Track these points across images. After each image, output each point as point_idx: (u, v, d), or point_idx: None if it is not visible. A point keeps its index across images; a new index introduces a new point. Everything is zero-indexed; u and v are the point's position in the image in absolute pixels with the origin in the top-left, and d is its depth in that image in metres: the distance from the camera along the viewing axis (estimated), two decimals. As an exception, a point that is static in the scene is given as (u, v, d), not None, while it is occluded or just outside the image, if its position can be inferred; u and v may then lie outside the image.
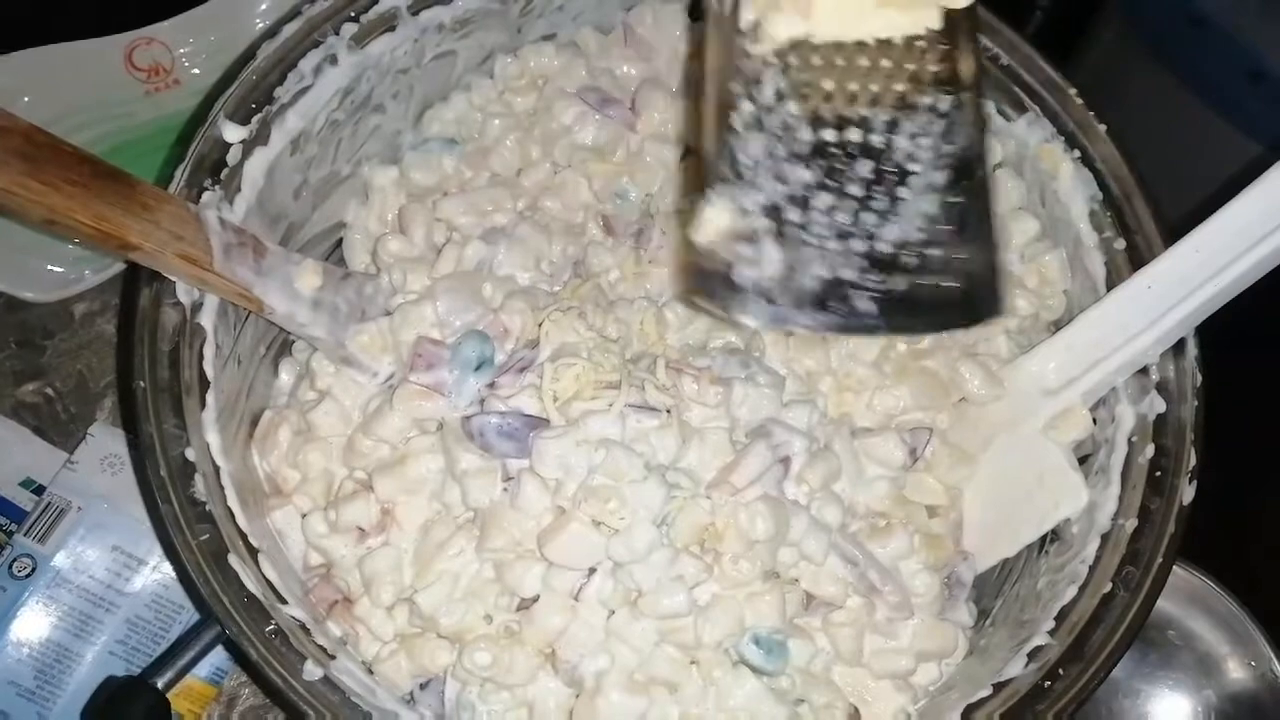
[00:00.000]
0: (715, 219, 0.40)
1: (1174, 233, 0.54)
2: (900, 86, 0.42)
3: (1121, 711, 0.67)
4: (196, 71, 0.81)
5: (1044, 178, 0.59)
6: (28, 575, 0.65)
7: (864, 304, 0.40)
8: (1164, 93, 0.85)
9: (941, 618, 0.54)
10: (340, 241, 0.64)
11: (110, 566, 0.66)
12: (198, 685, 0.65)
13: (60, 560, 0.66)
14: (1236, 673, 0.66)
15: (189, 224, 0.49)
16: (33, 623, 0.65)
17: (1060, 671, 0.48)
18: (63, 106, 0.78)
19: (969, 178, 0.42)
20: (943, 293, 0.40)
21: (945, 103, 0.43)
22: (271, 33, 0.56)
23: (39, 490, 0.69)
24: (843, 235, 0.40)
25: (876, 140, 0.42)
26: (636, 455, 0.50)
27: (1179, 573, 0.66)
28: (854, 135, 0.42)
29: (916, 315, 0.41)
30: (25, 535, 0.66)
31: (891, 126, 0.42)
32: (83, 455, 0.68)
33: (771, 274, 0.40)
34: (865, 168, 0.42)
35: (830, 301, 0.39)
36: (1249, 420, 0.65)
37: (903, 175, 0.42)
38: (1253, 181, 0.50)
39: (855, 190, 0.42)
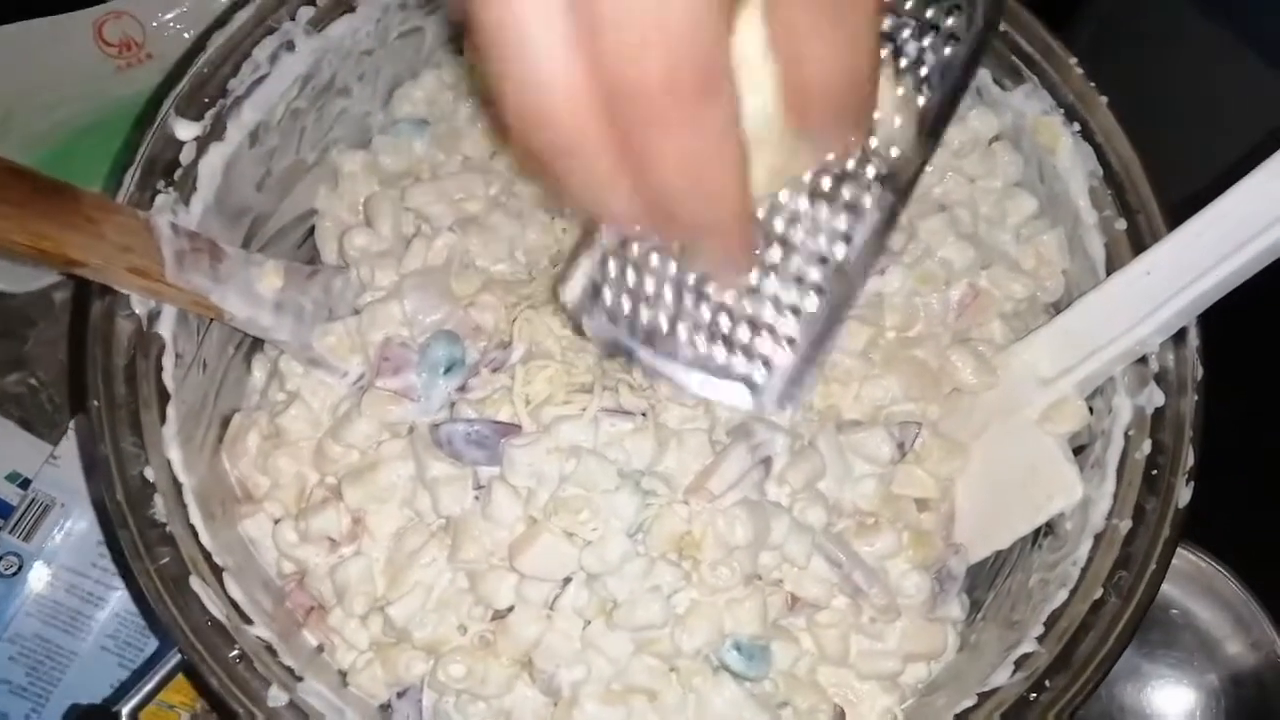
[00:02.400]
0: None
1: (1178, 214, 0.51)
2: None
3: (1123, 694, 0.66)
4: (171, 45, 0.78)
5: (1042, 152, 0.56)
6: (14, 573, 0.65)
7: (682, 351, 0.38)
8: (1183, 23, 0.81)
9: (930, 618, 0.53)
10: (313, 229, 0.62)
11: (97, 562, 0.66)
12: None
13: (46, 557, 0.65)
14: (1240, 654, 0.65)
15: (138, 234, 0.47)
16: (22, 621, 0.65)
17: (1047, 683, 0.46)
18: (32, 86, 0.76)
19: (847, 300, 0.39)
20: (741, 376, 0.39)
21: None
22: (221, 21, 0.53)
23: (25, 484, 0.69)
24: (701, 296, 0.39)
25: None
26: (609, 463, 0.48)
27: (1182, 554, 0.64)
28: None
29: (706, 383, 0.38)
30: (10, 533, 0.66)
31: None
32: (65, 449, 0.68)
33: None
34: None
35: (656, 340, 0.38)
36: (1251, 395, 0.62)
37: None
38: (1261, 163, 0.47)
39: None
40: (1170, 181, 0.53)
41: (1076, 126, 0.55)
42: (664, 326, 0.38)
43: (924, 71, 0.39)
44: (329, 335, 0.54)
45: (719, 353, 0.39)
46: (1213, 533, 0.62)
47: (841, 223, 0.38)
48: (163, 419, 0.49)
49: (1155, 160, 0.53)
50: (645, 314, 0.38)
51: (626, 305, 0.38)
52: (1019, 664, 0.48)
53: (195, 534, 0.47)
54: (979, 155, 0.58)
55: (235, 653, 0.44)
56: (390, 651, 0.50)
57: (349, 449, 0.52)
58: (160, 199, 0.51)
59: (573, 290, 0.39)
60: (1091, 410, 0.53)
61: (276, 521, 0.53)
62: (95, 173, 0.74)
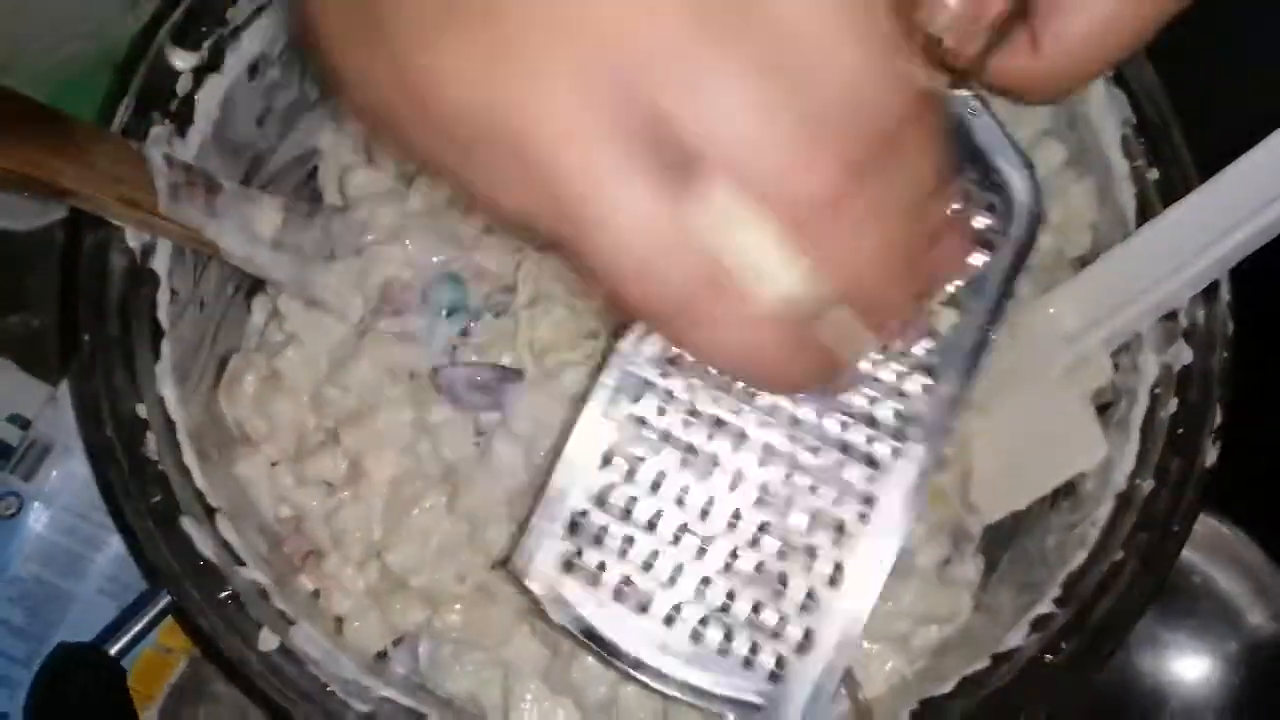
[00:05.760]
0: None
1: (1214, 165, 0.48)
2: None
3: (1140, 660, 0.65)
4: (176, -20, 0.76)
5: (1073, 99, 0.54)
6: (13, 515, 0.65)
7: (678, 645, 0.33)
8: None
9: (945, 581, 0.51)
10: (317, 170, 0.61)
11: (97, 504, 0.65)
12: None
13: (46, 499, 0.65)
14: (1261, 624, 0.63)
15: (130, 164, 0.45)
16: (21, 563, 0.64)
17: (1063, 645, 0.45)
18: (35, 24, 0.74)
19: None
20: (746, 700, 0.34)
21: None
22: (221, -53, 0.51)
23: (26, 426, 0.68)
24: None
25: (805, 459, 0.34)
26: (614, 411, 0.47)
27: (1205, 520, 0.62)
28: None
29: (706, 697, 0.34)
30: (10, 473, 0.65)
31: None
32: (66, 390, 0.67)
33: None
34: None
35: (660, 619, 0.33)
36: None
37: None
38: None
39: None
40: (1205, 131, 0.51)
41: (1109, 71, 0.52)
42: (661, 611, 0.32)
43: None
44: (329, 276, 0.53)
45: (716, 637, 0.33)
46: (1236, 499, 0.60)
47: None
48: (156, 356, 0.47)
49: (1190, 108, 0.50)
50: (639, 585, 0.32)
51: (615, 574, 0.32)
52: (1034, 626, 0.46)
53: (188, 474, 0.46)
54: (1004, 101, 0.56)
55: (226, 593, 0.43)
56: (387, 599, 0.49)
57: (347, 392, 0.51)
58: (155, 131, 0.49)
59: (539, 567, 0.32)
60: (1116, 368, 0.51)
61: (274, 465, 0.52)
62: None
